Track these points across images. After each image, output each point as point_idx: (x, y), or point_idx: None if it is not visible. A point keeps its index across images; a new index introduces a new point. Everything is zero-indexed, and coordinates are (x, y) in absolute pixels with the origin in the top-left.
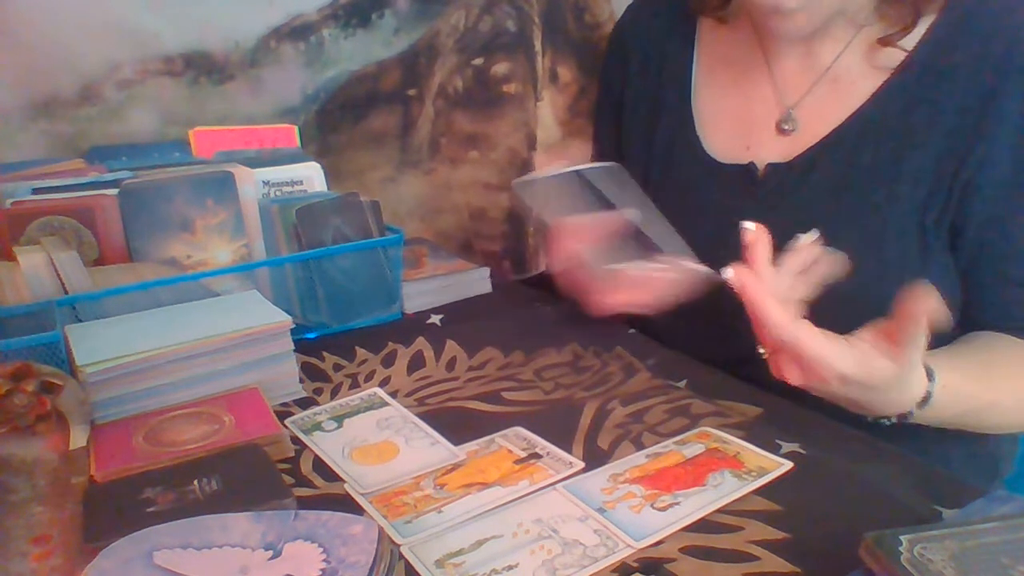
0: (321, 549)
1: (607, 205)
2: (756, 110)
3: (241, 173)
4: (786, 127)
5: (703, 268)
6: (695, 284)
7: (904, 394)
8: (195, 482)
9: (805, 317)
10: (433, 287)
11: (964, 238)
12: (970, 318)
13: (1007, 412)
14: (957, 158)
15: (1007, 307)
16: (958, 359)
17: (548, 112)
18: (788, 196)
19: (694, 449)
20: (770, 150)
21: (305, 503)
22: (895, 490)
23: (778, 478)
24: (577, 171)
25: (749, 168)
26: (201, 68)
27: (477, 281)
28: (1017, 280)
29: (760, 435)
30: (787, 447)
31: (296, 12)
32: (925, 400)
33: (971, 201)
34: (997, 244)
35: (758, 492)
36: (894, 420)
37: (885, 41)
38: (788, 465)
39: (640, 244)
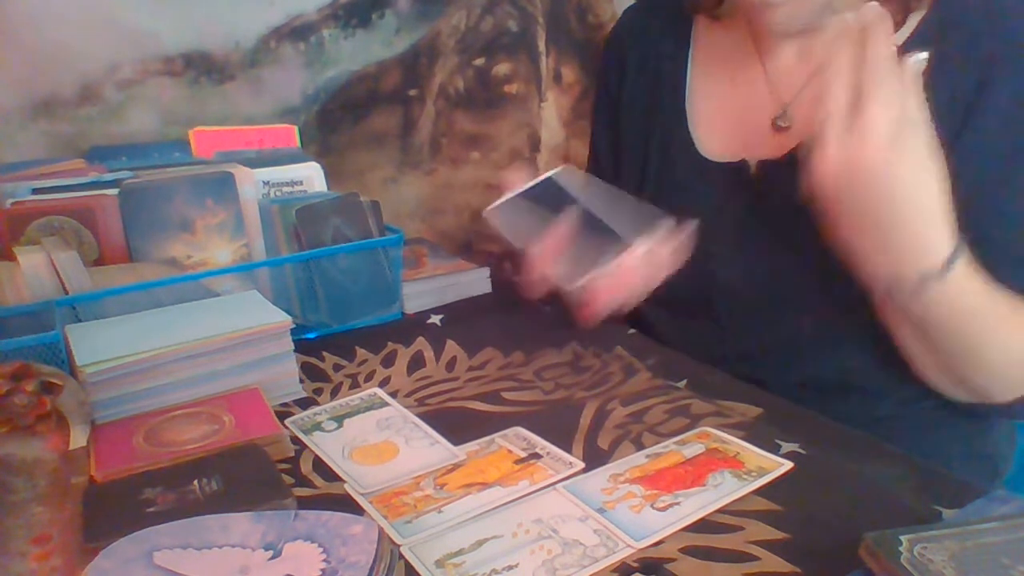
0: (321, 549)
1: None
2: (752, 108)
3: (241, 173)
4: (782, 124)
5: (659, 231)
6: (664, 257)
7: (936, 221)
8: (195, 482)
9: None
10: (433, 287)
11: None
12: None
13: (1011, 347)
14: (947, 151)
15: None
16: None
17: (552, 113)
18: (781, 192)
19: (694, 449)
20: (766, 147)
21: (305, 503)
22: (895, 490)
23: (778, 478)
24: (525, 190)
25: (741, 165)
26: (201, 68)
27: (477, 281)
28: (1001, 269)
29: (760, 435)
30: (787, 447)
31: (296, 12)
32: (950, 261)
33: (956, 192)
34: (981, 234)
35: (758, 492)
36: (918, 278)
37: None
38: (788, 465)
39: (602, 238)
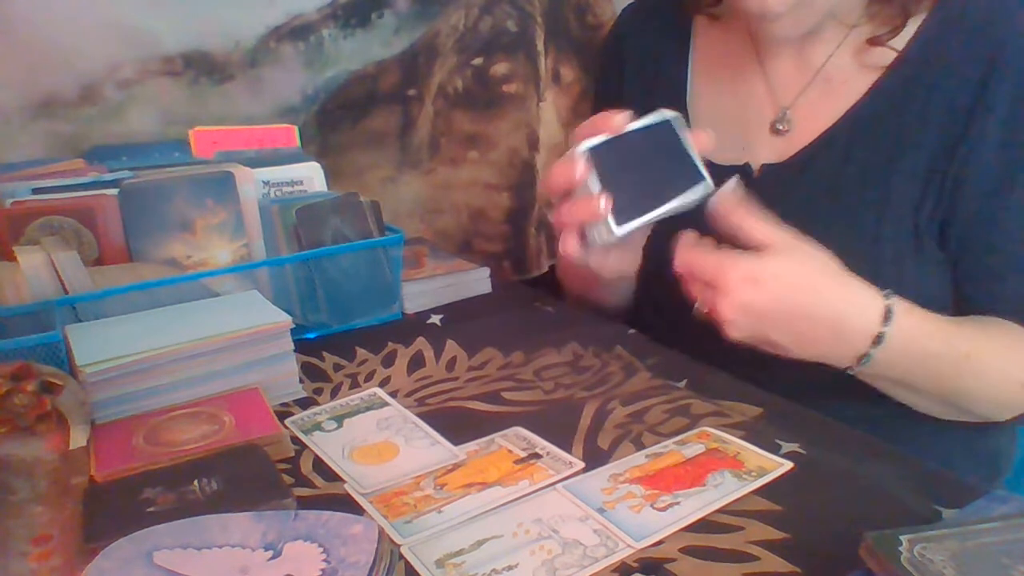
0: (321, 549)
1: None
2: (751, 110)
3: (241, 173)
4: (780, 127)
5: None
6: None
7: (849, 300)
8: (195, 482)
9: None
10: (433, 287)
11: (952, 234)
12: (961, 313)
13: (987, 373)
14: (948, 155)
15: (994, 302)
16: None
17: (551, 112)
18: (784, 196)
19: (694, 449)
20: (766, 150)
21: (305, 503)
22: (895, 490)
23: (778, 478)
24: (629, 132)
25: (744, 169)
26: (201, 68)
27: (477, 281)
28: (1004, 275)
29: (760, 435)
30: (787, 447)
31: (296, 12)
32: (887, 318)
33: (958, 197)
34: (984, 239)
35: (758, 492)
36: (866, 357)
37: (874, 41)
38: (788, 465)
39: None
